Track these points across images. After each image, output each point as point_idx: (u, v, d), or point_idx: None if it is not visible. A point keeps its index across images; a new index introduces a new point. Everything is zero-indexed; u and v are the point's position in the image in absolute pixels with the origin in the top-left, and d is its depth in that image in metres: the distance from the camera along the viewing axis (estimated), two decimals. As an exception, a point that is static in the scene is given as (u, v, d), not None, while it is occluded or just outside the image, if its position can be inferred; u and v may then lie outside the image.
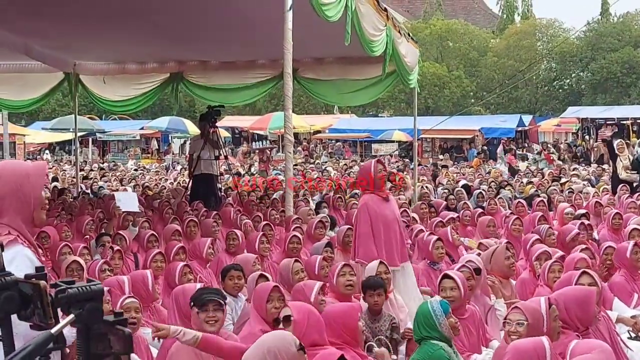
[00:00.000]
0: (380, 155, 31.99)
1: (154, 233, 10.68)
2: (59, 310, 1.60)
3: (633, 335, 7.22)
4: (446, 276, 6.87)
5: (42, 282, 1.60)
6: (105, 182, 23.79)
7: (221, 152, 16.24)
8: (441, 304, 6.00)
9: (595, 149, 33.41)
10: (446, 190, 17.82)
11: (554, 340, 5.44)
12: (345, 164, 33.40)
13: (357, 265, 8.12)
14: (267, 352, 4.56)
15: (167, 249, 9.37)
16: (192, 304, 5.84)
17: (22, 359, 1.49)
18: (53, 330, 1.53)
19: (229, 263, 8.60)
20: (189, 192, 16.28)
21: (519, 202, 14.01)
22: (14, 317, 1.67)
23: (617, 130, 35.46)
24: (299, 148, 41.20)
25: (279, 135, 40.55)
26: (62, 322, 1.55)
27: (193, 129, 39.84)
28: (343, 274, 7.35)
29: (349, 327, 5.68)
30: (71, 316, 1.55)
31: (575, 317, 5.84)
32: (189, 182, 16.71)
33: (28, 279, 1.62)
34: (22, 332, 1.80)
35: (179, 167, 33.72)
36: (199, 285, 6.49)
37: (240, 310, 7.36)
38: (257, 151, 37.75)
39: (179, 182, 23.06)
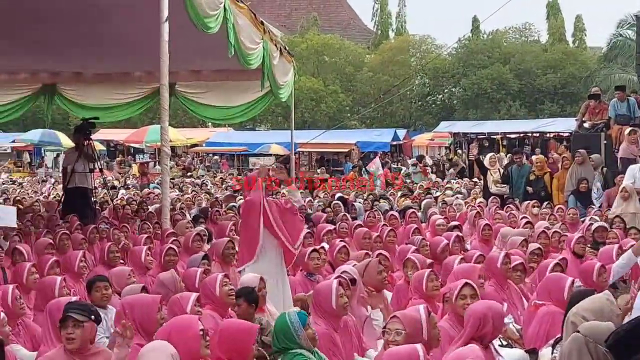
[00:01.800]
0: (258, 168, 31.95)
1: (23, 247, 10.38)
2: None
3: (504, 343, 7.43)
4: None
5: None
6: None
7: (96, 165, 15.95)
8: (299, 315, 6.02)
9: (455, 165, 34.22)
10: (321, 204, 17.94)
11: (435, 347, 5.59)
12: (222, 178, 33.26)
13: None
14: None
15: (40, 262, 9.14)
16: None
17: None
18: None
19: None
20: (61, 206, 15.93)
21: (391, 214, 14.28)
22: None
23: (487, 144, 36.49)
24: (175, 162, 40.78)
25: (155, 149, 40.09)
26: None
27: (66, 142, 38.91)
28: (225, 284, 7.32)
29: (243, 347, 5.51)
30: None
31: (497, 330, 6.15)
32: (62, 195, 16.34)
33: None
34: None
35: (52, 181, 32.95)
36: (74, 299, 6.36)
37: (111, 321, 7.22)
38: (137, 164, 37.35)
39: (53, 196, 22.50)
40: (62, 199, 16.19)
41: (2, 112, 18.28)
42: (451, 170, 32.85)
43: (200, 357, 5.23)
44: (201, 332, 5.25)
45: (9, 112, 18.30)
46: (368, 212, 14.88)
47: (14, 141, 45.94)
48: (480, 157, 20.10)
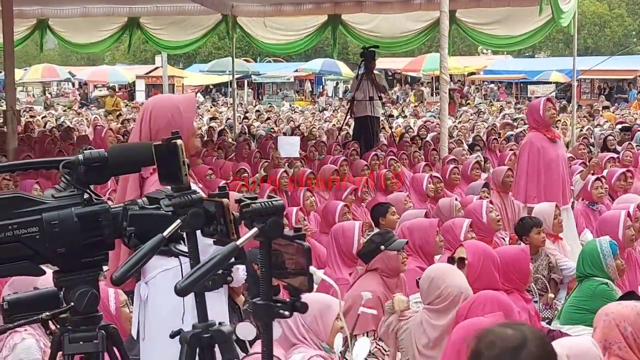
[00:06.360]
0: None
1: (312, 172, 10.88)
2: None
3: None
4: None
5: (225, 200, 1.68)
6: (262, 123, 24.22)
7: (377, 93, 15.98)
8: (610, 245, 5.89)
9: None
10: (603, 132, 17.30)
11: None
12: (500, 106, 32.86)
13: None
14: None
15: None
16: (383, 247, 5.83)
17: (209, 269, 1.58)
18: (238, 242, 1.61)
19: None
20: (343, 133, 16.40)
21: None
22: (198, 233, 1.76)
23: None
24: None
25: (432, 77, 40.13)
26: (246, 235, 1.63)
27: (346, 71, 39.88)
28: (491, 210, 7.49)
29: (521, 271, 5.59)
30: (254, 230, 1.63)
31: None
32: (344, 122, 16.73)
33: (212, 197, 1.71)
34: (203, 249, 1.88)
35: (331, 109, 33.97)
36: (358, 224, 6.60)
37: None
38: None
39: (333, 124, 23.18)
40: (343, 125, 16.55)
41: (291, 46, 19.09)
42: None
43: None
44: None
45: (299, 46, 19.04)
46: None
47: (296, 70, 47.64)
48: None
